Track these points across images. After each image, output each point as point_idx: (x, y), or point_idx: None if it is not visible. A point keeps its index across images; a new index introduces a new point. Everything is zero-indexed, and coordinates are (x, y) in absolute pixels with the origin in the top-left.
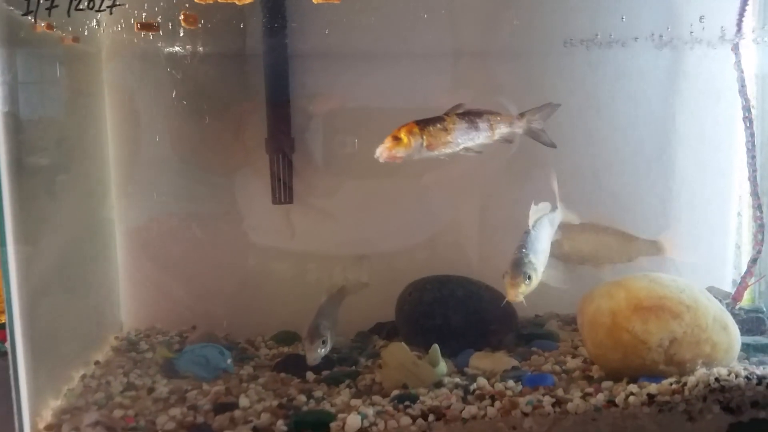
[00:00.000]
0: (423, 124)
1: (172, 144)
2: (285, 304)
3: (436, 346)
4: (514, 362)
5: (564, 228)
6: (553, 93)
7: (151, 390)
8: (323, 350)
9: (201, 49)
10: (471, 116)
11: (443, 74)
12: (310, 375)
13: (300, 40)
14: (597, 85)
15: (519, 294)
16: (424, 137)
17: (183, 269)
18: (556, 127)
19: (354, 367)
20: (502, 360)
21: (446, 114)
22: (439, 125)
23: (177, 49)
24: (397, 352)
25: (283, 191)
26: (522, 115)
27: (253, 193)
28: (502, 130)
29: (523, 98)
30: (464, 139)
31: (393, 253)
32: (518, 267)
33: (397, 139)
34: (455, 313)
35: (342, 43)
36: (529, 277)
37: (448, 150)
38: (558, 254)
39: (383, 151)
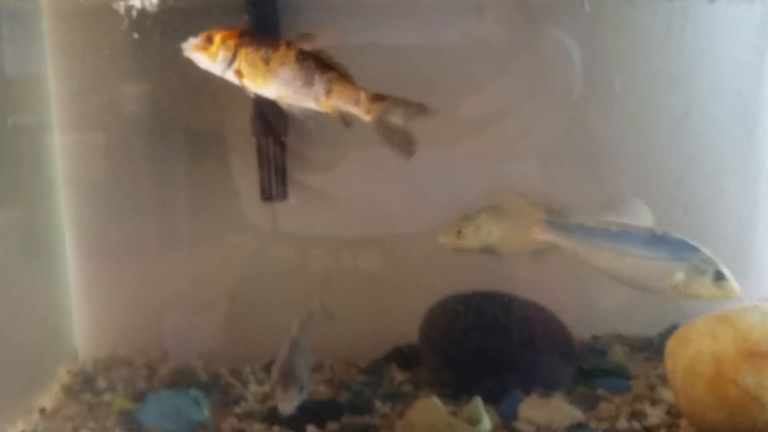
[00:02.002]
0: (246, 40)
1: (134, 123)
2: (281, 322)
3: (478, 401)
4: (578, 415)
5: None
6: (620, 57)
7: None
8: (299, 398)
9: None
10: (315, 63)
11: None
12: (311, 429)
13: None
14: (675, 48)
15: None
16: (237, 58)
17: (152, 279)
18: (622, 104)
19: (368, 416)
20: (562, 410)
21: (288, 42)
22: (263, 52)
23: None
24: (427, 411)
25: (275, 185)
26: (380, 98)
27: (237, 183)
28: (341, 103)
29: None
30: (285, 88)
31: (415, 235)
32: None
33: (208, 40)
34: (497, 343)
35: None
36: None
37: (259, 90)
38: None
39: (188, 47)
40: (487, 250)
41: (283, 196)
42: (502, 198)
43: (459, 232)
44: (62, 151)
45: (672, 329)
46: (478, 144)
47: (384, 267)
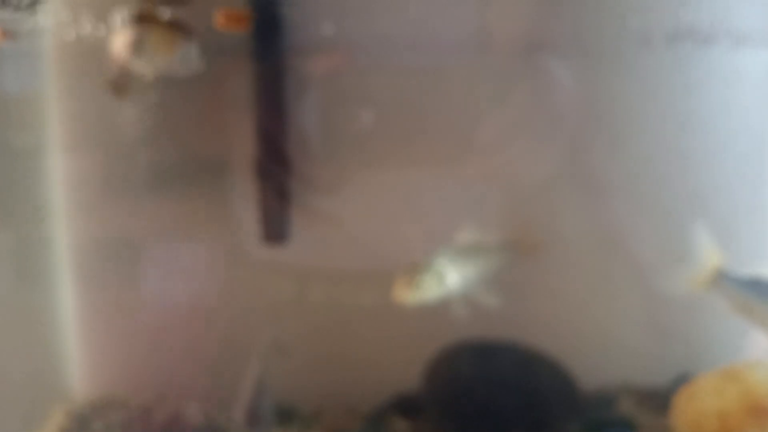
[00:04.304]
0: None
1: (134, 147)
2: (279, 364)
3: None
4: None
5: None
6: (627, 99)
7: None
8: None
9: None
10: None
11: None
12: None
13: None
14: (682, 91)
15: None
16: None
17: (149, 317)
18: (631, 143)
19: None
20: None
21: (147, 14)
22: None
23: None
24: None
25: (276, 225)
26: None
27: (238, 217)
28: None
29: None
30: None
31: None
32: None
33: None
34: (502, 394)
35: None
36: None
37: None
38: None
39: None
40: (456, 299)
41: (285, 237)
42: (697, 232)
43: (418, 284)
44: (60, 174)
45: (680, 378)
46: (485, 170)
47: (386, 307)
